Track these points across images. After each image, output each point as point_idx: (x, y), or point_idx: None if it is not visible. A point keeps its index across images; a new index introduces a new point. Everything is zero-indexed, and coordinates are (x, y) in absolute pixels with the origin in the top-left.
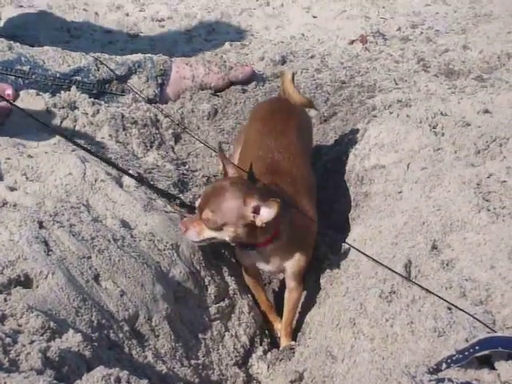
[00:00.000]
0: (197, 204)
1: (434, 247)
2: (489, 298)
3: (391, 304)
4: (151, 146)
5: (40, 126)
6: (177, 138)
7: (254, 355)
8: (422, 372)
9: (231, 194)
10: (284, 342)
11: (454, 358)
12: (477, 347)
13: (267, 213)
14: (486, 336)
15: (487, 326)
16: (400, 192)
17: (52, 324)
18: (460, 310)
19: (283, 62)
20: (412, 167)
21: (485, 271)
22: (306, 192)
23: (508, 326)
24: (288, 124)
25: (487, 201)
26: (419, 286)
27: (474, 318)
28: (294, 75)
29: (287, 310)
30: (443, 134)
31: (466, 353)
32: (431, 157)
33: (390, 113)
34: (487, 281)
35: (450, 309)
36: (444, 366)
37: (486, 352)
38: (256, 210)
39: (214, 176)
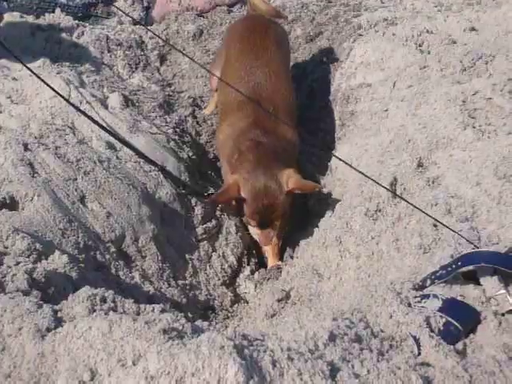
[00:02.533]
0: (257, 220)
1: (420, 165)
2: (474, 215)
3: (377, 222)
4: (136, 68)
5: (23, 48)
6: (162, 59)
7: (241, 275)
8: (407, 288)
9: (281, 197)
10: (271, 261)
11: (437, 274)
12: (459, 263)
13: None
14: (469, 251)
15: (472, 243)
16: (386, 110)
17: (38, 246)
18: (445, 226)
19: None
20: (398, 85)
21: (470, 188)
22: (287, 113)
23: (493, 242)
24: (265, 40)
25: (473, 118)
26: (405, 200)
27: (459, 234)
28: None
29: None
30: (429, 52)
31: (449, 269)
32: (417, 75)
33: (376, 31)
34: (473, 197)
35: (435, 226)
36: (428, 282)
37: (470, 267)
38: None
39: (200, 97)
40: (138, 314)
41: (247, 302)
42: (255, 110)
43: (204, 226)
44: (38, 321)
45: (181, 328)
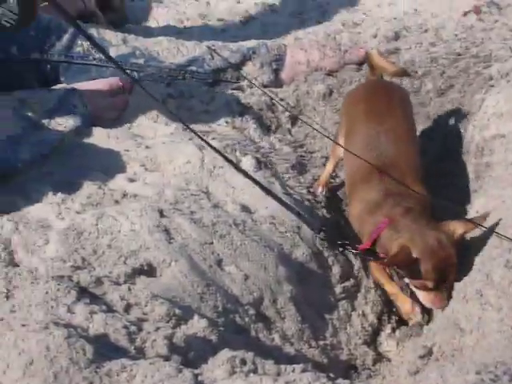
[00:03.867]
0: (435, 278)
1: None
2: None
3: None
4: (268, 130)
5: (156, 116)
6: (293, 120)
7: (382, 333)
8: None
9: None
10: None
11: None
12: None
13: None
14: None
15: None
16: None
17: (177, 311)
18: None
19: (397, 37)
20: None
21: None
22: (415, 177)
23: None
24: (390, 105)
25: None
26: None
27: None
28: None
29: None
30: None
31: None
32: None
33: (508, 81)
34: None
35: None
36: None
37: None
38: None
39: None
40: (279, 374)
41: (389, 361)
42: (382, 180)
43: (342, 284)
44: None
45: None
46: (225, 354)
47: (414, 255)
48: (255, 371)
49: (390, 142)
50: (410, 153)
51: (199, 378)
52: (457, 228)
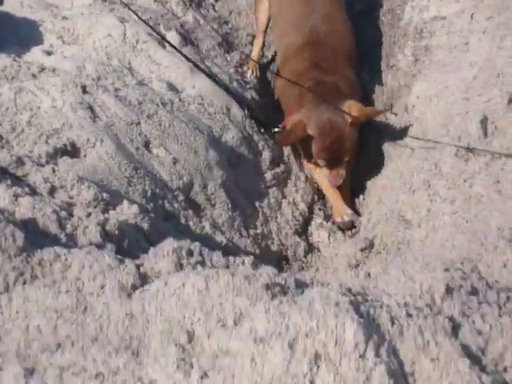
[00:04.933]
0: (326, 157)
1: (511, 101)
2: None
3: (468, 163)
4: (190, 5)
5: None
6: None
7: (313, 223)
8: None
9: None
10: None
11: None
12: None
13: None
14: None
15: None
16: (466, 43)
17: (105, 195)
18: None
19: None
20: (476, 17)
21: None
22: (346, 55)
23: None
24: None
25: None
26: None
27: None
28: None
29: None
30: None
31: None
32: (496, 5)
33: None
34: None
35: None
36: None
37: None
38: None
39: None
40: (227, 267)
41: (322, 252)
42: (313, 54)
43: (272, 171)
44: (121, 277)
45: (283, 283)
46: (169, 243)
47: (309, 132)
48: (202, 263)
49: (321, 18)
50: (342, 29)
51: (141, 269)
52: (353, 111)
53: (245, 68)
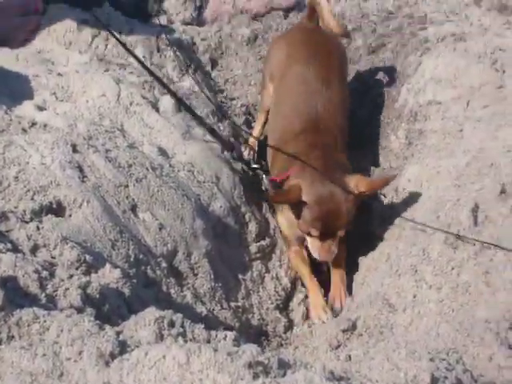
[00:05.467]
0: (319, 227)
1: (503, 191)
2: None
3: (457, 251)
4: (187, 71)
5: (70, 42)
6: (214, 63)
7: (294, 299)
8: (504, 328)
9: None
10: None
11: None
12: None
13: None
14: None
15: None
16: (460, 130)
17: (88, 257)
18: None
19: None
20: (472, 104)
21: None
22: (342, 142)
23: None
24: (329, 63)
25: None
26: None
27: None
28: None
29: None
30: (504, 71)
31: None
32: (493, 94)
33: (446, 46)
34: None
35: None
36: None
37: None
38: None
39: (254, 105)
40: (209, 341)
41: (302, 330)
42: (313, 138)
43: (258, 243)
44: (100, 344)
45: (266, 362)
46: (151, 312)
47: (304, 198)
48: (184, 335)
49: (325, 106)
50: (342, 121)
51: (121, 337)
52: (360, 185)
53: (243, 146)
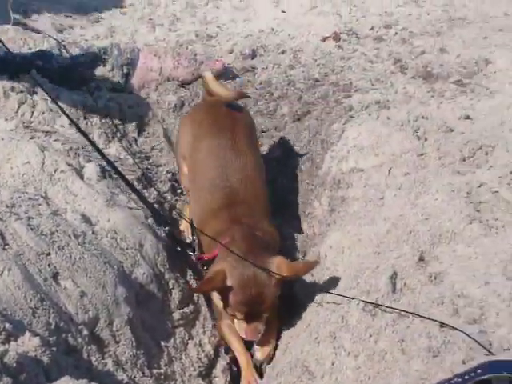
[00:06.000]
0: (244, 311)
1: (421, 259)
2: (483, 317)
3: (375, 318)
4: (113, 137)
5: None
6: (140, 129)
7: (218, 365)
8: None
9: (271, 286)
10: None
11: (452, 382)
12: (479, 371)
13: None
14: (491, 359)
15: (485, 348)
16: (382, 198)
17: (7, 325)
18: (455, 329)
19: (253, 55)
20: (394, 172)
21: (478, 287)
22: (264, 213)
23: (505, 347)
24: (237, 136)
25: (478, 211)
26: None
27: (471, 338)
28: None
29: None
30: (426, 139)
31: (466, 377)
32: (414, 162)
33: (369, 114)
34: (481, 298)
35: (442, 326)
36: None
37: (488, 376)
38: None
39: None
40: None
41: None
42: (232, 213)
43: (181, 310)
44: None
45: None
46: (65, 382)
47: (229, 283)
48: None
49: (240, 180)
50: (259, 188)
51: None
52: (284, 269)
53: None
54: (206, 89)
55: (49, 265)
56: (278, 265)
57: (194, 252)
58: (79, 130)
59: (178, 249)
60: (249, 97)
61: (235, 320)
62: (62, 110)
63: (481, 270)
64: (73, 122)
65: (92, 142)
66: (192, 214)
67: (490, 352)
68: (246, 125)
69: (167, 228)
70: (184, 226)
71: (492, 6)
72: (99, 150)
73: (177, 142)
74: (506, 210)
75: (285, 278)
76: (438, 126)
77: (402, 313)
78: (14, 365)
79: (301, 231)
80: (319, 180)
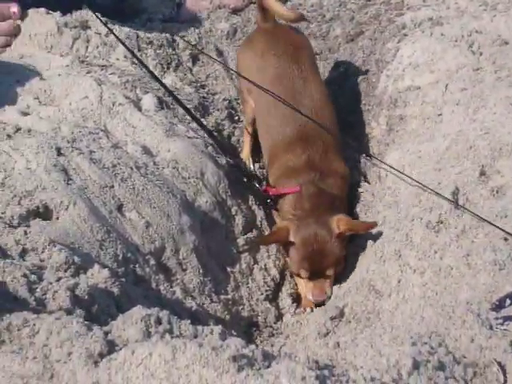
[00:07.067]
0: (308, 268)
1: (483, 173)
2: None
3: (439, 235)
4: (168, 68)
5: (51, 46)
6: (194, 59)
7: (283, 289)
8: (486, 309)
9: (332, 241)
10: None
11: None
12: None
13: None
14: None
15: None
16: (440, 115)
17: (76, 259)
18: None
19: None
20: (451, 88)
21: None
22: (336, 146)
23: None
24: (303, 65)
25: None
26: (474, 214)
27: None
28: None
29: None
30: (481, 54)
31: None
32: (470, 77)
33: (422, 31)
34: None
35: (506, 239)
36: (508, 302)
37: None
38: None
39: (236, 99)
40: (196, 336)
41: (291, 319)
42: (306, 149)
43: (245, 236)
44: (89, 345)
45: (251, 355)
46: (138, 311)
47: (291, 239)
48: (171, 332)
49: (310, 111)
50: (330, 117)
51: (109, 336)
52: (341, 225)
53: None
54: (261, 14)
55: (113, 197)
56: (337, 221)
57: (259, 184)
58: (138, 59)
59: (244, 180)
60: (307, 20)
61: (301, 281)
62: (120, 40)
63: None
64: (131, 53)
65: (151, 72)
66: (262, 146)
67: None
68: (309, 50)
69: (230, 159)
70: (245, 154)
71: None
72: (158, 80)
73: (238, 75)
74: None
75: (342, 234)
76: (493, 40)
77: (466, 228)
78: (86, 297)
79: (361, 152)
80: (376, 100)
